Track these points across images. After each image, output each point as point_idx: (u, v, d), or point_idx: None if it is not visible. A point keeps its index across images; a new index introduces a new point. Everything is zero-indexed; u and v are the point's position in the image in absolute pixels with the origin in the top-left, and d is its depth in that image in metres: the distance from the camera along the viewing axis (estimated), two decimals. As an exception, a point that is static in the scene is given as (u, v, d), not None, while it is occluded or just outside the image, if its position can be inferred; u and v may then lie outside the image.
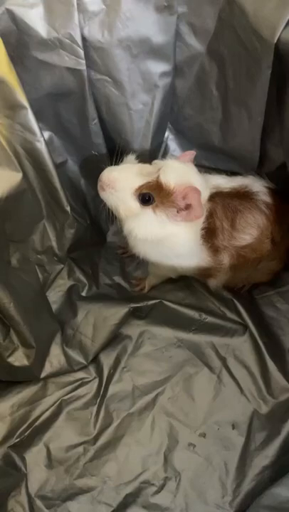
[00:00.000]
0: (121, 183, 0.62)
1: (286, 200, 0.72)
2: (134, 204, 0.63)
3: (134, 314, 0.80)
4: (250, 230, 0.68)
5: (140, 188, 0.62)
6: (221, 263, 0.70)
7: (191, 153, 0.69)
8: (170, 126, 0.82)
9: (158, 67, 0.69)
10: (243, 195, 0.69)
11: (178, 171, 0.64)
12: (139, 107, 0.72)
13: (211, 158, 0.82)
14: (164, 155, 0.85)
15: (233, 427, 0.71)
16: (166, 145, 0.84)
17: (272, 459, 0.67)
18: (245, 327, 0.78)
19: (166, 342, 0.78)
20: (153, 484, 0.67)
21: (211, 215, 0.66)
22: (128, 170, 0.64)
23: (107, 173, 0.63)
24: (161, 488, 0.67)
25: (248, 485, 0.67)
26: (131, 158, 0.67)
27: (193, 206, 0.61)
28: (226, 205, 0.67)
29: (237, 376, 0.74)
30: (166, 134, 0.83)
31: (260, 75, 0.61)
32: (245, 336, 0.78)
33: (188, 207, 0.62)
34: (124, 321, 0.79)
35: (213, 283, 0.77)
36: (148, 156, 0.79)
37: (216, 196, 0.67)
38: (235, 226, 0.68)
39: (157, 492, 0.67)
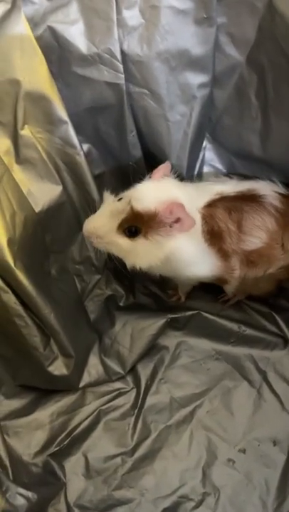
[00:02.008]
0: (102, 229, 0.63)
1: None
2: (124, 241, 0.63)
3: (172, 325, 0.80)
4: (259, 233, 0.66)
5: (121, 225, 0.62)
6: (232, 269, 0.69)
7: (165, 167, 0.66)
8: (208, 136, 0.81)
9: (196, 79, 0.68)
10: (249, 198, 0.67)
11: (151, 192, 0.63)
12: (177, 118, 0.72)
13: (249, 167, 0.80)
14: (202, 165, 0.85)
15: (274, 443, 0.69)
16: (204, 154, 0.84)
17: (315, 479, 0.65)
18: (286, 340, 0.76)
19: (204, 354, 0.77)
20: (191, 499, 0.66)
21: (210, 218, 0.65)
22: (103, 214, 0.64)
23: (86, 225, 0.64)
24: (200, 503, 0.66)
25: (289, 505, 0.65)
26: (107, 194, 0.67)
27: (182, 219, 0.60)
28: (230, 207, 0.66)
29: (278, 391, 0.72)
30: (204, 143, 0.82)
31: (301, 84, 0.60)
32: (286, 349, 0.75)
33: (178, 220, 0.60)
34: (161, 332, 0.79)
35: (229, 289, 0.76)
36: (185, 166, 0.79)
37: (218, 201, 0.66)
38: (242, 228, 0.66)
39: (196, 507, 0.66)
